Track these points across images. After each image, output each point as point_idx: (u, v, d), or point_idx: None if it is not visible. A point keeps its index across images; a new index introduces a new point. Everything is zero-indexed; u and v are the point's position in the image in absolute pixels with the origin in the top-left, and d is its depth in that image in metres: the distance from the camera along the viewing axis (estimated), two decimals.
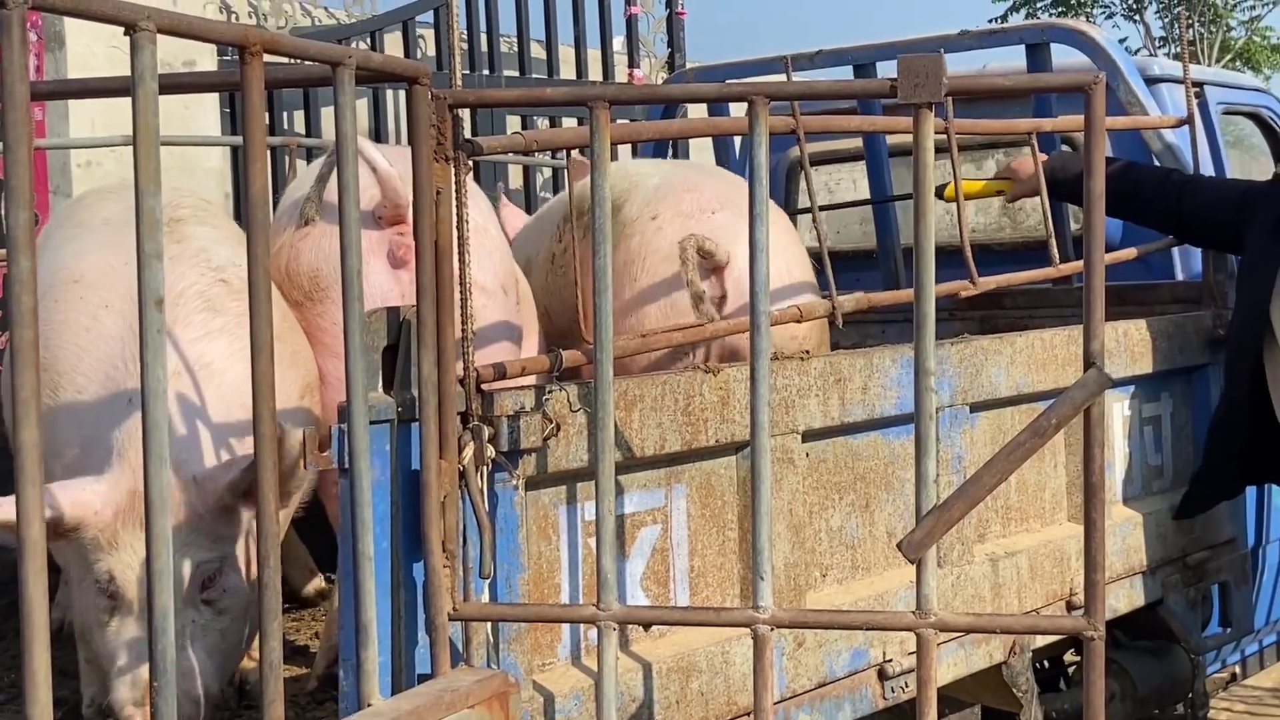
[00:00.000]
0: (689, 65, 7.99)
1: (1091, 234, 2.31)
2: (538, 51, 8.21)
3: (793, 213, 5.63)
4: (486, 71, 7.70)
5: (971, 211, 5.74)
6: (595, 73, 8.28)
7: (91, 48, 6.19)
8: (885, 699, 3.41)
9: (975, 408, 3.71)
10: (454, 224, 2.42)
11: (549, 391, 2.62)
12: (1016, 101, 4.99)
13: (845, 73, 5.34)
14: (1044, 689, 5.24)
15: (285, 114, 7.40)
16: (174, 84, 2.38)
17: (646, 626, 2.77)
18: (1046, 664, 5.32)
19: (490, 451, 2.49)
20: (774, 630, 2.40)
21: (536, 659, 2.73)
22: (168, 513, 1.81)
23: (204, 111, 6.56)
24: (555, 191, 7.56)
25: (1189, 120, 4.72)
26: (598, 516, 2.46)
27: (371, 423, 2.36)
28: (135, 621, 2.82)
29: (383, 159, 3.05)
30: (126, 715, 2.77)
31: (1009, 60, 5.20)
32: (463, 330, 2.47)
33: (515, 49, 8.05)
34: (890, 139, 5.30)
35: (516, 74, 7.90)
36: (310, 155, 5.89)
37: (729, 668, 3.01)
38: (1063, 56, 4.96)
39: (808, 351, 3.25)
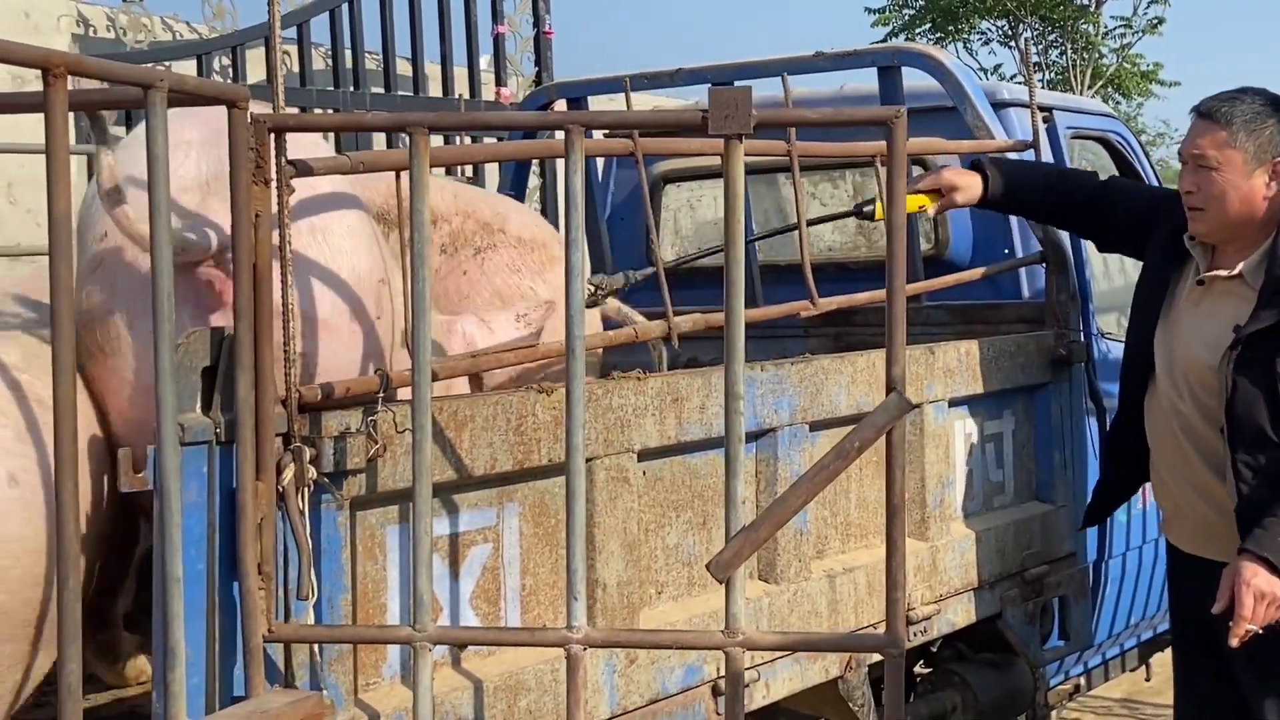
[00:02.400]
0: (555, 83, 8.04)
1: (893, 262, 2.38)
2: (404, 69, 8.20)
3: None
4: (351, 88, 7.67)
5: (828, 229, 5.84)
6: (462, 89, 8.28)
7: None
8: (719, 714, 3.45)
9: (815, 426, 3.78)
10: (277, 244, 2.42)
11: (375, 412, 2.63)
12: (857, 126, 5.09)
13: (704, 90, 5.41)
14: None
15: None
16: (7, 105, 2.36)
17: (462, 647, 2.79)
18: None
19: (312, 473, 2.50)
20: (588, 650, 2.43)
21: (361, 678, 2.74)
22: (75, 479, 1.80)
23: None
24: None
25: (1033, 144, 4.82)
26: (414, 538, 2.48)
27: (189, 444, 2.36)
28: None
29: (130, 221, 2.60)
30: None
31: (865, 82, 5.29)
32: (285, 351, 2.48)
33: (381, 66, 8.03)
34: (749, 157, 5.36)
35: (382, 90, 7.87)
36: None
37: (558, 685, 3.03)
38: (919, 80, 5.05)
39: (643, 371, 3.29)
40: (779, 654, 3.53)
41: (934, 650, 4.68)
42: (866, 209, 4.46)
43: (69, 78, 1.98)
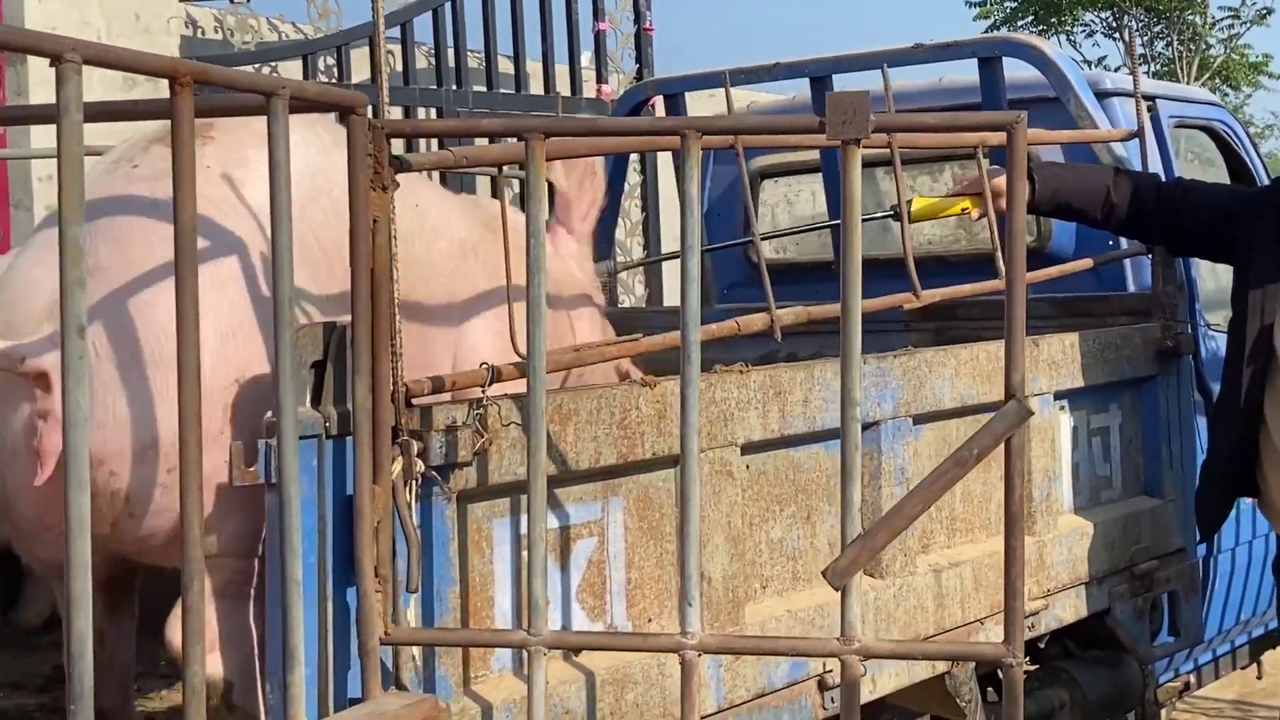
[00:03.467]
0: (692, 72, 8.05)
1: (1012, 266, 2.37)
2: (506, 67, 8.25)
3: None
4: (454, 87, 7.74)
5: (929, 223, 5.80)
6: (563, 87, 8.31)
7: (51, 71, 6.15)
8: (825, 709, 3.45)
9: (919, 420, 3.76)
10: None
11: (481, 406, 2.66)
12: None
13: (803, 84, 5.40)
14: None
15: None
16: (103, 112, 2.42)
17: (576, 651, 2.81)
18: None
19: (420, 466, 2.53)
20: (701, 655, 2.44)
21: (470, 671, 2.77)
22: (87, 535, 1.85)
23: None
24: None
25: (1139, 133, 4.77)
26: (529, 539, 2.50)
27: (300, 437, 2.40)
28: None
29: None
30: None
31: (965, 74, 5.25)
32: (392, 346, 2.51)
33: (484, 64, 8.09)
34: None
35: (484, 89, 7.93)
36: None
37: (665, 679, 3.05)
38: (1019, 70, 5.02)
39: (746, 364, 3.30)
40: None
41: (1041, 647, 4.64)
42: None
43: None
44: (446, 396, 2.71)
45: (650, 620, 3.09)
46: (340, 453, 2.48)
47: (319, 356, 2.48)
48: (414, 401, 2.59)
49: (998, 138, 4.35)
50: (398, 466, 2.50)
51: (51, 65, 1.80)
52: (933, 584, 3.74)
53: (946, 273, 4.81)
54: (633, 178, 8.20)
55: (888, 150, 3.74)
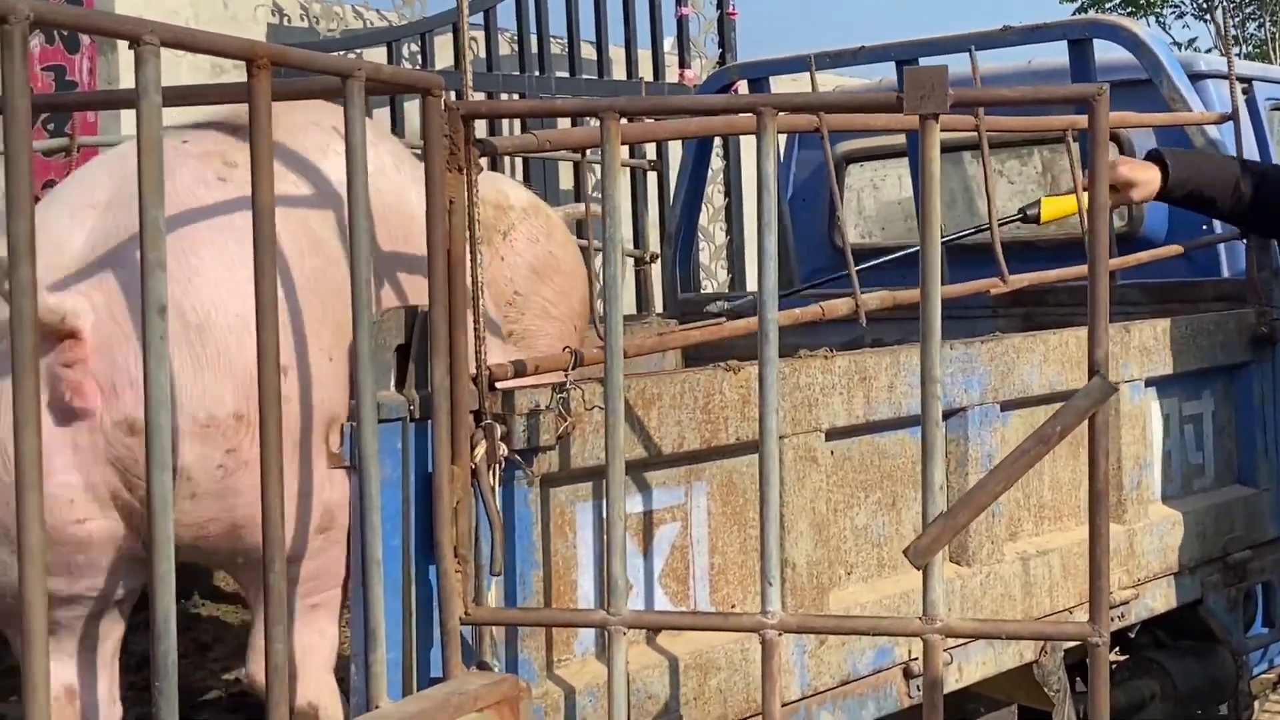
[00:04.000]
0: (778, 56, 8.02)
1: (1095, 244, 2.33)
2: (589, 52, 8.25)
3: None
4: (537, 73, 7.74)
5: (1016, 206, 5.73)
6: (646, 72, 8.29)
7: None
8: (911, 697, 3.42)
9: (1006, 406, 3.72)
10: (466, 227, 2.45)
11: (565, 390, 2.65)
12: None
13: (889, 68, 5.35)
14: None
15: (372, 114, 7.49)
16: (181, 95, 2.43)
17: (655, 631, 2.80)
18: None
19: (503, 450, 2.52)
20: (782, 635, 2.42)
21: (554, 654, 2.76)
22: (170, 514, 1.86)
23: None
24: (577, 190, 7.55)
25: (1233, 116, 4.68)
26: (608, 521, 2.49)
27: (383, 420, 2.41)
28: None
29: None
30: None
31: (1055, 56, 5.18)
32: (475, 329, 2.51)
33: (566, 50, 8.09)
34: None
35: (567, 75, 7.93)
36: None
37: (748, 665, 3.03)
38: (1110, 52, 4.94)
39: (831, 349, 3.27)
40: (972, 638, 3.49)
41: (1131, 637, 4.57)
42: (1031, 212, 4.43)
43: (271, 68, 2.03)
44: (531, 380, 2.71)
45: (734, 605, 3.07)
46: (423, 436, 2.49)
47: (402, 340, 2.49)
48: (497, 385, 2.58)
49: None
50: (481, 450, 2.50)
51: (131, 48, 1.80)
52: (1020, 572, 3.70)
53: (1035, 258, 4.74)
54: (715, 163, 8.16)
55: (974, 134, 3.69)
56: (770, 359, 2.42)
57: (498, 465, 2.54)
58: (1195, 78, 4.97)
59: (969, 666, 3.58)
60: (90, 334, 2.47)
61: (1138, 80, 4.87)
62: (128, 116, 5.59)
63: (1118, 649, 5.04)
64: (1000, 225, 3.93)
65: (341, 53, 7.01)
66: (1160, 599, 4.20)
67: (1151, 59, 4.74)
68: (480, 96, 7.33)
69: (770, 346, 2.41)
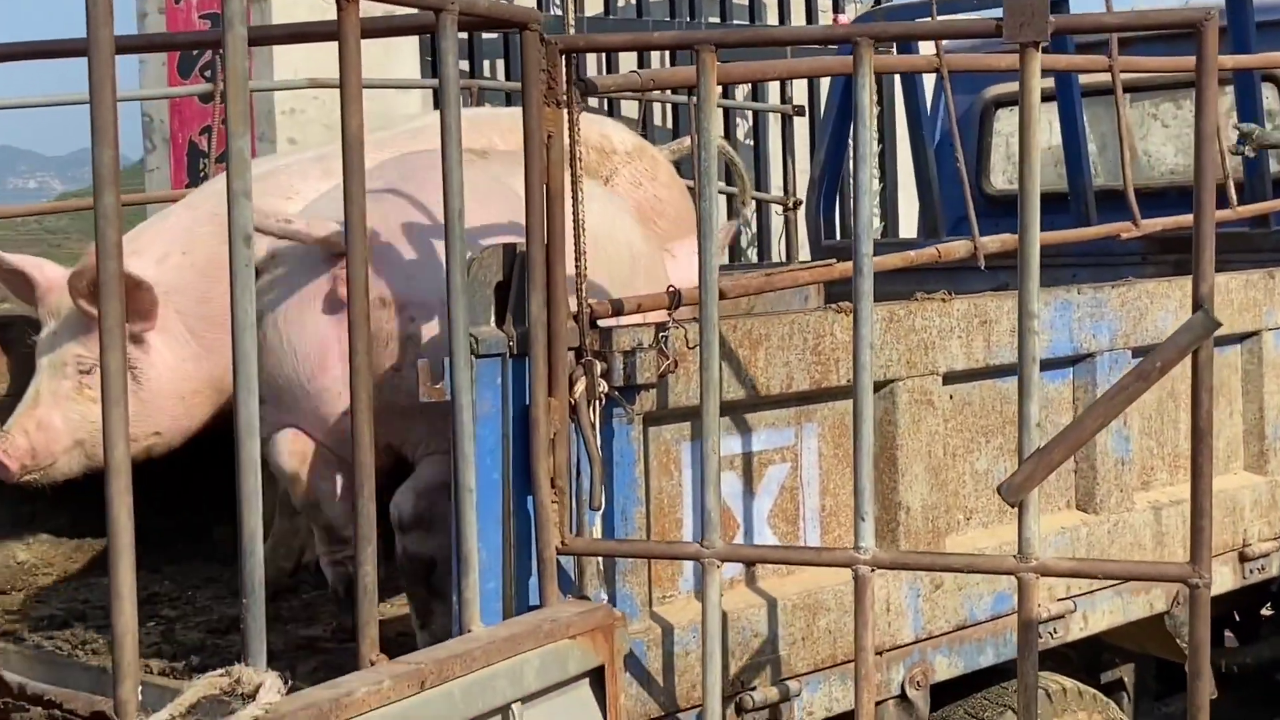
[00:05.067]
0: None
1: (1201, 178, 2.27)
2: None
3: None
4: (688, 18, 7.73)
5: (1171, 151, 5.59)
6: (799, 17, 8.22)
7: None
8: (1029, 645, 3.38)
9: (1138, 352, 3.63)
10: (566, 164, 2.47)
11: (666, 328, 2.66)
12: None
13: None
14: (1244, 641, 5.13)
15: (486, 61, 7.55)
16: (268, 35, 2.48)
17: (749, 565, 2.80)
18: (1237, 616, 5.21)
19: (603, 386, 2.54)
20: (889, 573, 2.41)
21: (657, 591, 2.79)
22: (256, 437, 1.92)
23: (402, 59, 6.73)
24: (676, 130, 7.49)
25: None
26: (703, 454, 2.51)
27: (483, 356, 2.44)
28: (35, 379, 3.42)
29: (275, 223, 2.92)
30: None
31: None
32: (577, 267, 2.53)
33: None
34: (1086, 79, 5.19)
35: (718, 20, 7.90)
36: (479, 99, 6.00)
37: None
38: None
39: (950, 291, 3.23)
40: (1099, 585, 3.44)
41: (1274, 590, 4.46)
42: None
43: (360, 4, 2.06)
44: (634, 319, 2.73)
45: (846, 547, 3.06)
46: (522, 370, 2.52)
47: (501, 278, 2.52)
48: (598, 322, 2.61)
49: (1234, 61, 4.17)
50: (580, 386, 2.52)
51: None
52: (1151, 521, 3.63)
53: (1190, 204, 4.62)
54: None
55: (1125, 75, 3.62)
56: (864, 292, 2.40)
57: (598, 401, 2.56)
58: None
59: (1094, 615, 3.52)
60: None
61: None
62: (280, 59, 5.72)
63: (1269, 604, 4.93)
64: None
65: None
66: None
67: None
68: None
69: (864, 280, 2.40)
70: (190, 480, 3.77)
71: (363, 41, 2.09)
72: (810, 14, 8.25)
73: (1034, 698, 2.42)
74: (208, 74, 6.41)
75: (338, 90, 2.11)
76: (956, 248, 3.27)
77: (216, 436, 3.38)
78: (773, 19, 8.19)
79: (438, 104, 2.28)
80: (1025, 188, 2.31)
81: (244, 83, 1.88)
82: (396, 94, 6.36)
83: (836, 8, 8.44)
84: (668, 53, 6.89)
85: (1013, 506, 2.39)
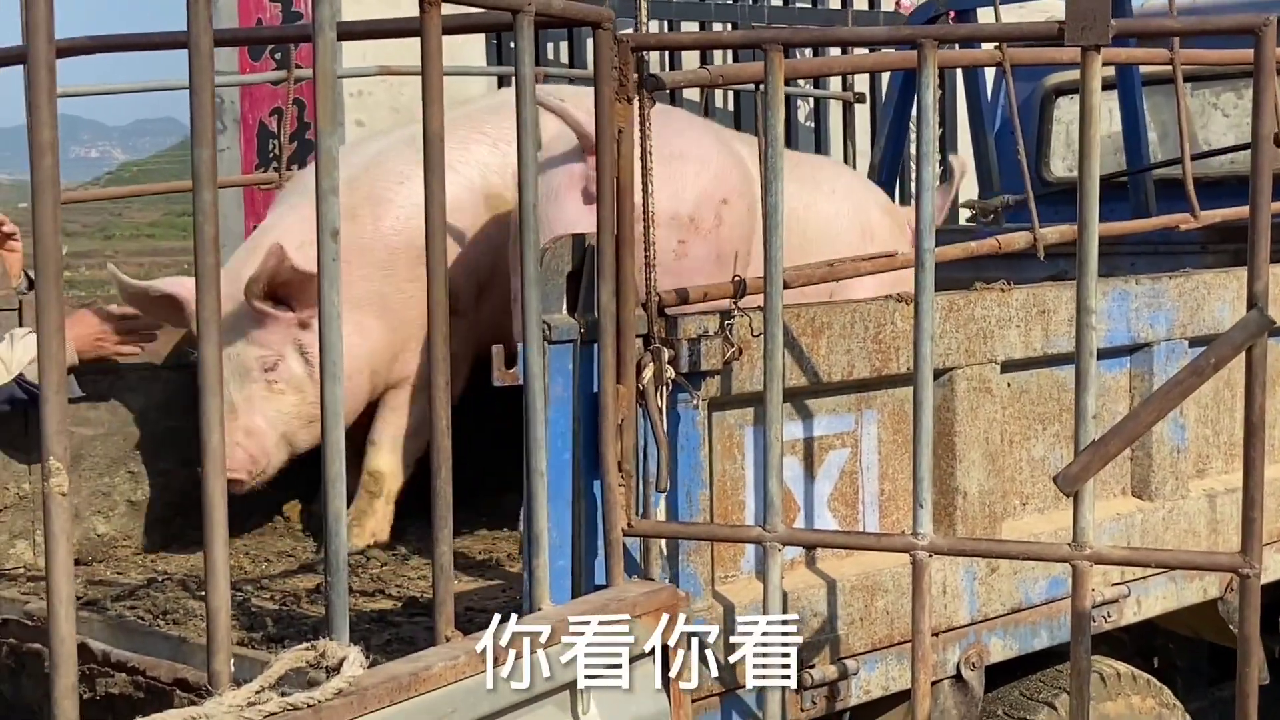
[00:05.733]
0: None
1: (1258, 175, 2.32)
2: None
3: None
4: (749, 1, 7.77)
5: (1231, 140, 5.60)
6: (860, 1, 8.25)
7: None
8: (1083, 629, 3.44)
9: (1195, 343, 3.68)
10: (636, 158, 2.55)
11: (731, 316, 2.74)
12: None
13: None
14: None
15: (550, 45, 7.61)
16: (352, 33, 2.57)
17: (809, 548, 2.88)
18: None
19: (670, 372, 2.63)
20: (945, 558, 2.49)
21: (719, 571, 2.87)
22: (341, 424, 2.01)
23: (470, 42, 6.83)
24: (738, 115, 7.56)
25: None
26: (766, 441, 2.58)
27: (555, 342, 2.53)
28: None
29: (556, 101, 3.30)
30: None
31: None
32: (645, 256, 2.61)
33: None
34: (1148, 69, 5.22)
35: (781, 4, 7.93)
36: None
37: None
38: None
39: (1009, 281, 3.29)
40: (1153, 571, 3.49)
41: None
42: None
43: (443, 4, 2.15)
44: (701, 306, 2.80)
45: (904, 532, 3.13)
46: (591, 357, 2.60)
47: (572, 268, 2.60)
48: (667, 310, 2.69)
49: None
50: (649, 372, 2.61)
51: None
52: (1206, 509, 3.68)
53: (1247, 194, 4.64)
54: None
55: (1185, 66, 3.65)
56: (926, 286, 2.47)
57: (665, 387, 2.64)
58: None
59: (1148, 600, 3.58)
60: None
61: None
62: (349, 49, 5.81)
63: None
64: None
65: None
66: None
67: None
68: (692, 25, 7.38)
69: (926, 274, 2.47)
70: None
71: None
72: None
73: (1087, 682, 2.49)
74: (278, 55, 6.53)
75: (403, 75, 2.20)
76: (1016, 239, 3.32)
77: None
78: (835, 2, 8.22)
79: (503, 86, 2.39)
80: (1085, 187, 2.37)
81: (333, 84, 1.97)
82: (462, 82, 6.45)
83: None
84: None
85: (1068, 495, 2.46)
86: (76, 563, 3.78)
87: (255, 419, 3.67)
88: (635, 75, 2.53)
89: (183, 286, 3.66)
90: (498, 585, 3.42)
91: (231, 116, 7.07)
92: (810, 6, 8.08)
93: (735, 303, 2.74)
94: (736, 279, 2.76)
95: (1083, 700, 2.49)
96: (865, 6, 8.30)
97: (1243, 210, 4.05)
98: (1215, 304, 3.68)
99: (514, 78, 2.33)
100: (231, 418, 3.52)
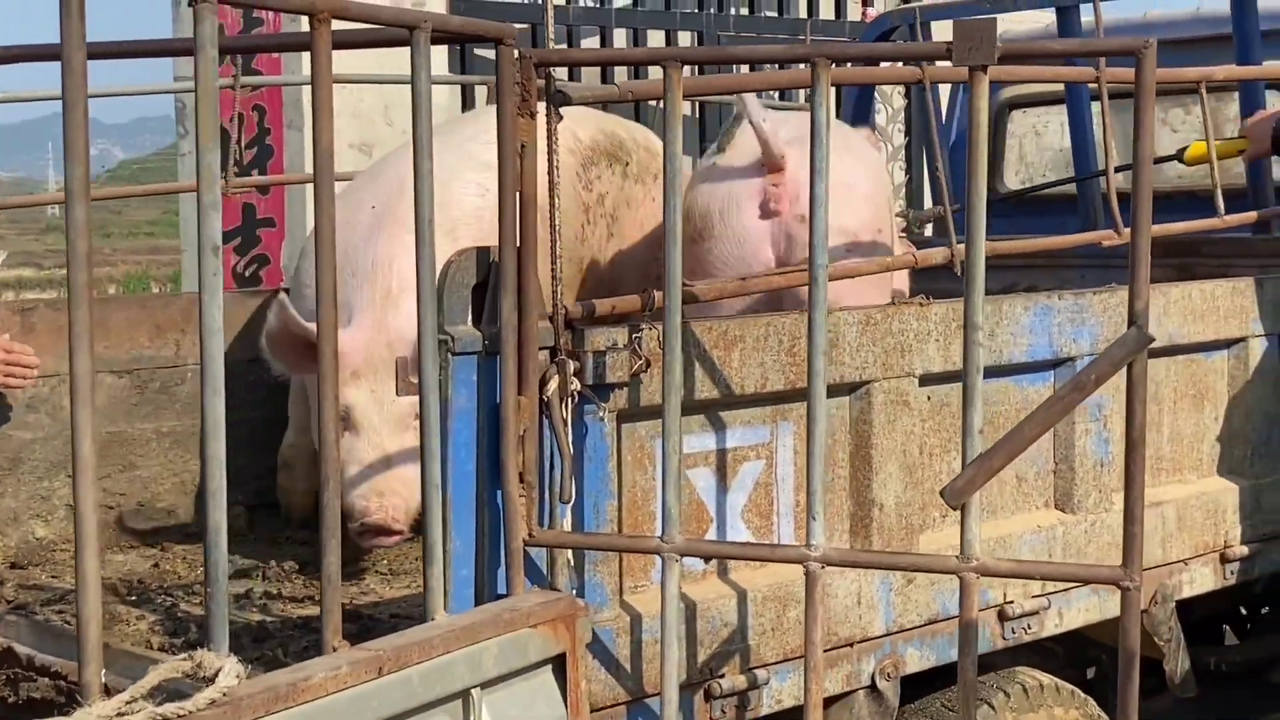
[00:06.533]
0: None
1: (1138, 195, 2.35)
2: None
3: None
4: (714, 10, 7.79)
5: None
6: (826, 10, 8.28)
7: None
8: (1005, 639, 3.48)
9: None
10: (542, 173, 2.58)
11: (640, 329, 2.77)
12: (1216, 48, 4.93)
13: (1050, 13, 5.31)
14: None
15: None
16: (242, 47, 2.59)
17: (706, 560, 2.91)
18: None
19: (575, 384, 2.66)
20: (824, 567, 2.52)
21: (629, 580, 2.90)
22: (222, 438, 2.03)
23: (435, 53, 6.79)
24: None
25: None
26: (665, 453, 2.61)
27: (459, 354, 2.56)
28: (362, 443, 3.42)
29: (760, 117, 3.50)
30: (360, 511, 3.35)
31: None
32: (552, 270, 2.64)
33: None
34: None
35: (747, 13, 7.96)
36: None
37: (830, 600, 3.12)
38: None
39: (928, 296, 3.33)
40: (1075, 584, 3.52)
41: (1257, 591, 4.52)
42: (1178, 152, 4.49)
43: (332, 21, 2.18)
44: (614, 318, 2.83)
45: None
46: (495, 369, 2.63)
47: (476, 280, 2.63)
48: (574, 324, 2.72)
49: (1225, 72, 4.24)
50: (553, 384, 2.64)
51: (189, 5, 1.96)
52: None
53: (1198, 208, 4.69)
54: (898, 101, 8.14)
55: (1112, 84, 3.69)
56: (819, 301, 2.50)
57: (570, 399, 2.67)
58: None
59: (1070, 612, 3.61)
60: (789, 167, 3.54)
61: None
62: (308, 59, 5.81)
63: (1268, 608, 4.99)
64: (1118, 171, 3.93)
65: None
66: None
67: None
68: (658, 35, 7.39)
69: (819, 289, 2.49)
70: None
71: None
72: (839, 7, 8.31)
73: (973, 695, 2.53)
74: (239, 61, 6.56)
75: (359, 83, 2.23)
76: (933, 254, 3.36)
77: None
78: (801, 10, 8.25)
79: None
80: (973, 205, 2.40)
81: (214, 100, 2.00)
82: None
83: (866, 1, 8.49)
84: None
85: (954, 509, 2.49)
86: (13, 566, 3.81)
87: (410, 469, 3.34)
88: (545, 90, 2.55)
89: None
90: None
91: (193, 121, 7.07)
92: (776, 16, 8.11)
93: (644, 315, 2.77)
94: (645, 292, 2.79)
95: (969, 714, 2.52)
96: (832, 16, 8.33)
97: (1172, 227, 4.13)
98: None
99: (412, 93, 2.35)
100: (385, 465, 3.42)
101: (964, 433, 2.47)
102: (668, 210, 2.52)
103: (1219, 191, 4.23)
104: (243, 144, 5.43)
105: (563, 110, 2.57)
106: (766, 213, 3.58)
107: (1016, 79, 3.77)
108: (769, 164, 3.55)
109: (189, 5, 1.98)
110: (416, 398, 3.38)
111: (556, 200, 2.64)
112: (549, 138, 2.61)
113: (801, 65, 2.39)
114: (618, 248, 3.86)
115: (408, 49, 2.37)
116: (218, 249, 2.02)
